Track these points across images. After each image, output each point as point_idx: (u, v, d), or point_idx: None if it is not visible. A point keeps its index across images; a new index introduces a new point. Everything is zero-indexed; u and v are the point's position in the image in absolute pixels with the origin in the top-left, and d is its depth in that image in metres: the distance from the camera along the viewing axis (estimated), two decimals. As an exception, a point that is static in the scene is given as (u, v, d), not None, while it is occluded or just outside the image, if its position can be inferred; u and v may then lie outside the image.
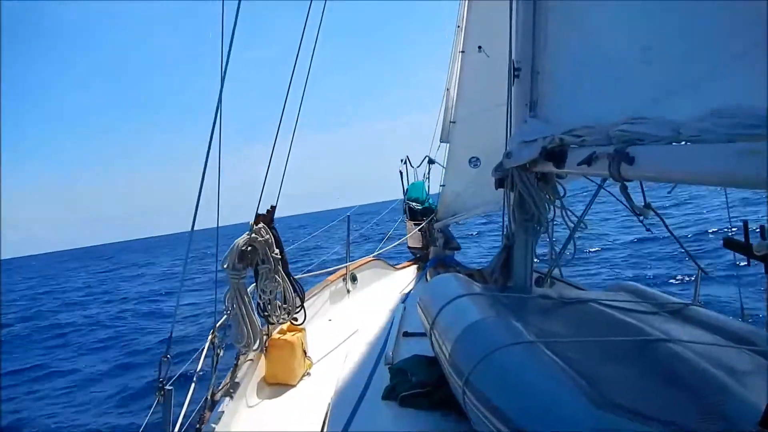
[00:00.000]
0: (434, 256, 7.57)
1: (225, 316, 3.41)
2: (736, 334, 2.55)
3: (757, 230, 2.51)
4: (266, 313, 3.63)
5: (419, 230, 8.06)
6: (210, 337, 3.20)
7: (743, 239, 3.31)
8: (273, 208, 3.62)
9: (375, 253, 7.42)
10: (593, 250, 13.21)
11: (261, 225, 3.48)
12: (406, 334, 4.26)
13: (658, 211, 2.78)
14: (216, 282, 3.29)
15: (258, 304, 3.60)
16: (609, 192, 3.09)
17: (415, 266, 7.89)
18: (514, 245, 3.50)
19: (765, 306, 3.32)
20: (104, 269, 54.80)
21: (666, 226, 2.87)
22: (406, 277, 7.35)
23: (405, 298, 5.90)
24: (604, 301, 2.99)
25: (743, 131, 1.64)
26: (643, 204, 2.70)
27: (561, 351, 2.15)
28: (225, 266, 3.33)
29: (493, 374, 2.12)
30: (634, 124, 2.24)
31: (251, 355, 3.69)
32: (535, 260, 3.57)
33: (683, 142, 1.98)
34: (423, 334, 3.51)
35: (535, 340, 2.23)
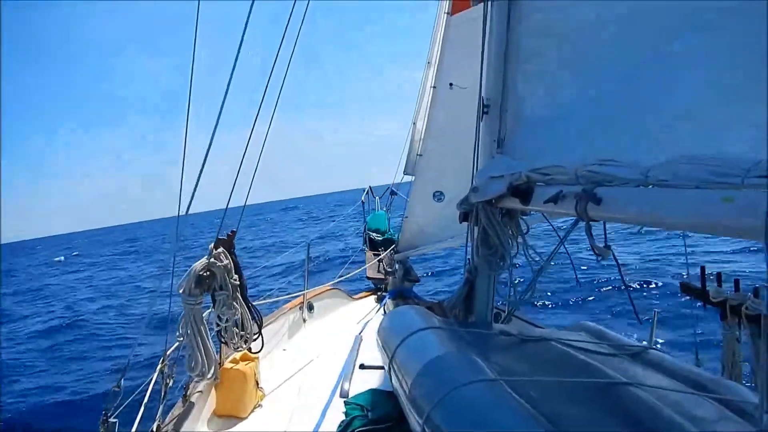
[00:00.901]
0: (393, 287, 7.52)
1: (177, 343, 3.27)
2: (694, 380, 2.57)
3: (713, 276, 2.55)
4: (223, 340, 3.50)
5: (379, 261, 8.03)
6: (159, 366, 3.06)
7: (700, 284, 3.38)
8: (233, 232, 3.52)
9: (333, 282, 7.33)
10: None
11: (221, 250, 3.37)
12: (362, 367, 4.17)
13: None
14: (170, 303, 3.16)
15: (216, 330, 3.48)
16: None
17: (373, 296, 7.83)
18: (477, 280, 3.49)
19: (721, 352, 3.37)
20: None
21: (620, 271, 2.90)
22: (363, 307, 7.27)
23: (362, 329, 5.82)
24: (564, 341, 2.98)
25: (713, 178, 1.66)
26: (603, 245, 2.72)
27: (523, 390, 2.12)
28: (181, 291, 3.21)
29: (454, 412, 2.07)
30: (603, 166, 2.26)
31: (201, 385, 3.55)
32: (496, 297, 3.57)
33: (651, 186, 2.01)
34: (380, 367, 3.44)
35: (498, 378, 2.20)
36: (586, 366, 2.61)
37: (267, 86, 3.60)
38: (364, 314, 6.90)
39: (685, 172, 1.80)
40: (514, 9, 3.32)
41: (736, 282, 3.36)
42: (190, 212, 3.21)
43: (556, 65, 3.07)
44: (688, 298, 3.82)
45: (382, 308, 6.77)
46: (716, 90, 2.00)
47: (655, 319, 4.47)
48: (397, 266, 7.69)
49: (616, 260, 2.88)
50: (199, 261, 3.32)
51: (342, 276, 7.79)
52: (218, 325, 3.44)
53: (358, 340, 5.01)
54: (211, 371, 3.38)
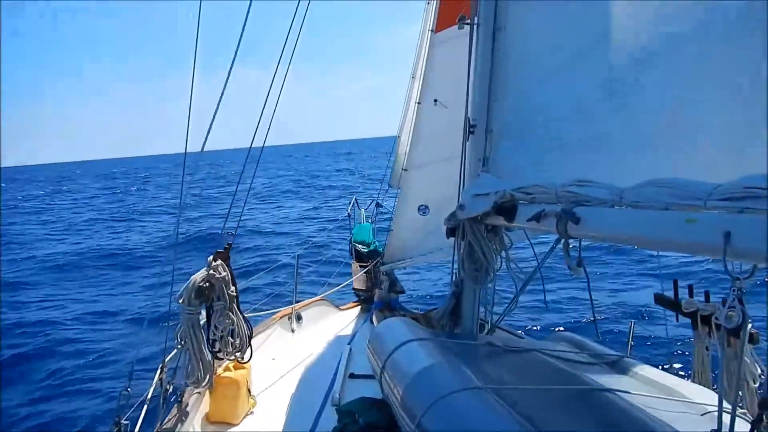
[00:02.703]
0: (379, 298, 7.65)
1: (175, 351, 3.38)
2: (667, 386, 2.76)
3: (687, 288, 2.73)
4: (216, 350, 3.62)
5: (365, 272, 8.15)
6: (158, 374, 3.17)
7: (674, 296, 3.58)
8: (229, 245, 3.65)
9: (321, 295, 7.46)
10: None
11: (219, 262, 3.50)
12: (352, 376, 4.30)
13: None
14: (169, 314, 3.29)
15: (209, 339, 3.59)
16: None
17: (359, 307, 7.95)
18: (463, 293, 3.65)
19: (693, 359, 3.57)
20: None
21: (588, 290, 3.07)
22: (351, 317, 7.39)
23: (351, 339, 5.94)
24: (546, 351, 3.15)
25: (679, 201, 1.84)
26: (576, 263, 2.88)
27: (508, 397, 2.28)
28: (180, 301, 3.33)
29: (444, 418, 2.22)
30: (581, 186, 2.44)
31: (197, 391, 3.65)
32: (481, 309, 3.72)
33: (625, 207, 2.19)
34: (370, 377, 3.57)
35: (485, 387, 2.35)
36: (567, 374, 2.78)
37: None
38: (351, 324, 7.02)
39: (654, 194, 1.98)
40: (498, 34, 3.51)
41: (707, 294, 3.56)
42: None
43: (540, 89, 3.26)
44: (662, 309, 4.02)
45: (369, 319, 6.90)
46: (678, 119, 2.19)
47: (632, 329, 4.67)
48: (383, 277, 7.82)
49: (587, 276, 3.06)
50: (199, 272, 3.44)
51: (330, 288, 7.91)
52: (213, 334, 3.56)
53: (347, 350, 5.13)
54: (207, 379, 3.49)
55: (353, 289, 8.58)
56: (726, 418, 1.53)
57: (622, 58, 2.60)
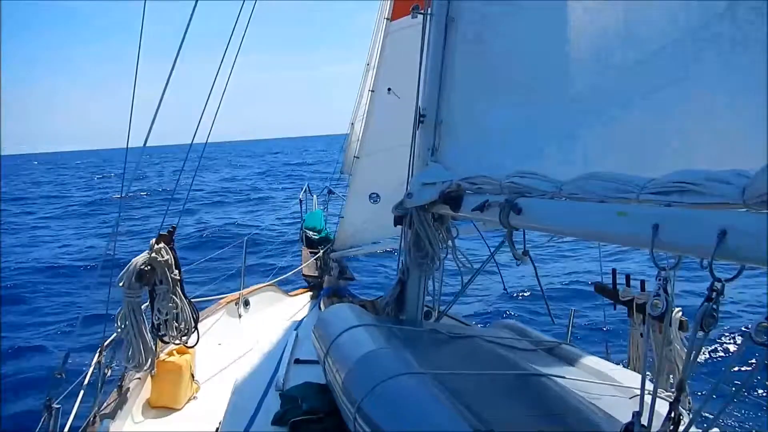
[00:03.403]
0: (328, 285, 7.65)
1: (114, 335, 3.31)
2: (601, 371, 2.87)
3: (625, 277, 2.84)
4: (161, 333, 3.56)
5: (315, 259, 8.14)
6: (96, 357, 3.10)
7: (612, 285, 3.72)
8: (173, 228, 3.58)
9: (270, 281, 7.40)
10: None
11: (162, 245, 3.43)
12: (297, 361, 4.30)
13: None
14: (108, 298, 3.21)
15: (152, 323, 3.53)
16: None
17: (308, 293, 7.94)
18: (408, 280, 3.69)
19: (627, 346, 3.73)
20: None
21: (536, 276, 3.16)
22: (299, 303, 7.38)
23: (298, 325, 5.93)
24: (487, 338, 3.23)
25: (614, 194, 1.91)
26: (522, 251, 2.97)
27: (448, 382, 2.34)
28: (121, 284, 3.25)
29: (383, 402, 2.25)
30: (523, 178, 2.50)
31: (137, 376, 3.59)
32: (428, 297, 3.78)
33: (564, 199, 2.25)
34: (315, 362, 3.58)
35: (425, 372, 2.40)
36: (506, 360, 2.86)
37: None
38: (300, 310, 7.01)
39: (591, 187, 2.05)
40: (451, 25, 3.53)
41: (642, 283, 3.72)
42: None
43: (489, 82, 3.31)
44: (601, 297, 4.18)
45: (317, 306, 6.90)
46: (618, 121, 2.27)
47: (572, 317, 4.83)
48: (332, 264, 7.83)
49: (534, 265, 3.15)
50: (140, 255, 3.36)
51: (279, 275, 7.86)
52: (157, 318, 3.49)
53: (294, 336, 5.12)
54: (149, 363, 3.43)
55: (303, 275, 8.56)
56: (649, 401, 1.60)
57: (571, 55, 2.67)
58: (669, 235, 1.58)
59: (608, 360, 4.16)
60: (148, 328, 3.41)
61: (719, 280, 1.41)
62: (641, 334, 3.65)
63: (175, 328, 3.54)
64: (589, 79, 2.48)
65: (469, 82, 3.47)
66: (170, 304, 3.46)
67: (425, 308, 3.94)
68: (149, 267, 3.34)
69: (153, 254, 3.36)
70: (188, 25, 3.40)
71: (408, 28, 5.30)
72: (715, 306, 1.42)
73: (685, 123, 2.04)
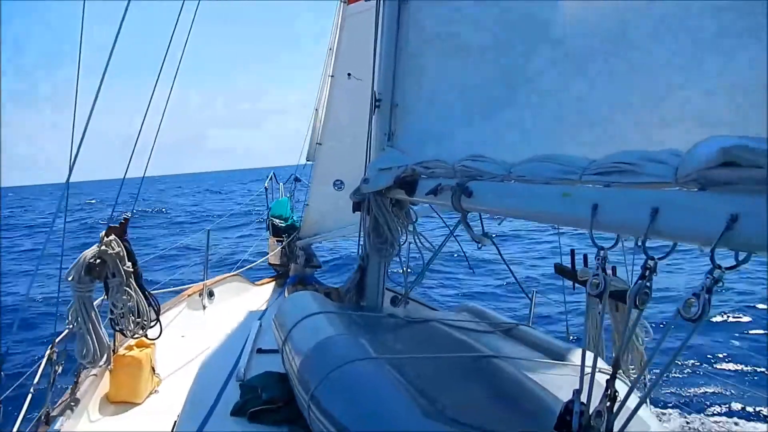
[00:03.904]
0: (294, 273, 7.62)
1: (66, 330, 3.23)
2: (555, 351, 2.91)
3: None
4: (119, 327, 3.49)
5: (282, 247, 8.08)
6: (48, 352, 3.02)
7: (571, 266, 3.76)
8: (126, 219, 3.50)
9: (235, 271, 7.33)
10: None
11: (113, 237, 3.35)
12: (260, 351, 4.27)
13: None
14: (59, 290, 3.13)
15: (110, 318, 3.45)
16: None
17: (274, 283, 7.89)
18: (368, 266, 3.69)
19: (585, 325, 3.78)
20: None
21: (500, 254, 3.19)
22: (265, 293, 7.33)
23: (262, 315, 5.89)
24: (446, 321, 3.25)
25: (558, 176, 1.92)
26: (482, 233, 2.99)
27: (402, 366, 2.34)
28: (69, 279, 3.17)
29: (336, 389, 2.24)
30: (474, 161, 2.50)
31: (94, 371, 3.52)
32: (390, 282, 3.78)
33: (513, 181, 2.26)
34: (277, 351, 3.56)
35: (379, 357, 2.40)
36: (462, 343, 2.88)
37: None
38: (266, 300, 6.96)
39: (537, 169, 2.06)
40: (404, 9, 3.51)
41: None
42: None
43: (442, 66, 3.29)
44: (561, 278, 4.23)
45: (282, 294, 6.86)
46: (562, 100, 2.28)
47: (534, 298, 4.89)
48: (299, 252, 7.78)
49: (496, 246, 3.17)
50: (90, 248, 3.28)
51: (245, 264, 7.80)
52: (112, 312, 3.42)
53: (257, 325, 5.08)
54: (104, 358, 3.36)
55: (269, 264, 8.50)
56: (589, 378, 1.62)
57: (522, 42, 2.66)
58: (607, 215, 1.59)
59: (568, 340, 4.22)
60: (101, 323, 3.33)
61: (652, 258, 1.43)
62: (599, 314, 3.70)
63: (133, 321, 3.47)
64: (540, 59, 2.47)
65: (422, 66, 3.45)
66: (124, 297, 3.39)
67: (393, 294, 3.95)
68: (100, 260, 3.26)
69: (103, 247, 3.28)
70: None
71: (365, 12, 5.26)
72: (648, 284, 1.43)
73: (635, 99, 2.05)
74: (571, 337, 4.55)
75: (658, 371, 1.40)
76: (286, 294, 6.50)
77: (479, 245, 3.04)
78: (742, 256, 1.26)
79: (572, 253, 4.10)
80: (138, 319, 3.63)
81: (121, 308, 3.47)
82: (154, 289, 4.06)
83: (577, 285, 3.96)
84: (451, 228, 3.46)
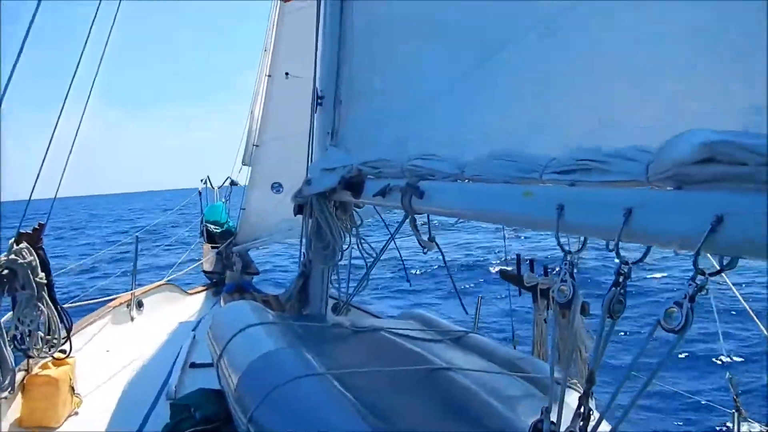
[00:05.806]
0: (231, 281, 7.32)
1: None
2: (508, 360, 2.79)
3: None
4: (24, 347, 3.12)
5: (217, 254, 7.78)
6: None
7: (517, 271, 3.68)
8: (41, 225, 3.17)
9: (167, 278, 6.96)
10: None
11: (24, 245, 3.00)
12: (193, 366, 4.00)
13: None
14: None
15: (14, 335, 3.08)
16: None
17: (209, 291, 7.57)
18: (311, 273, 3.49)
19: (532, 332, 3.71)
20: None
21: (444, 261, 3.07)
22: (199, 303, 6.99)
23: (195, 326, 5.57)
24: (393, 330, 3.09)
25: (518, 174, 1.79)
26: (428, 238, 2.85)
27: (349, 381, 2.16)
28: None
29: (277, 410, 2.05)
30: (425, 160, 2.35)
31: (3, 394, 3.16)
32: (332, 289, 3.60)
33: (467, 181, 2.13)
34: (212, 365, 3.32)
35: (324, 372, 2.21)
36: (411, 354, 2.72)
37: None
38: (200, 310, 6.63)
39: (494, 168, 1.93)
40: (347, 5, 3.35)
41: (545, 268, 3.71)
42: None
43: (387, 62, 3.14)
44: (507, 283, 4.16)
45: (218, 303, 6.57)
46: (522, 98, 2.16)
47: (479, 304, 4.80)
48: (235, 258, 7.51)
49: (441, 252, 3.04)
50: (-6, 258, 2.93)
51: (175, 272, 7.42)
52: (17, 328, 3.05)
53: (191, 337, 4.78)
54: (7, 381, 2.98)
55: (203, 271, 8.17)
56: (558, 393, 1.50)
57: (476, 32, 2.53)
58: (574, 216, 1.47)
59: (515, 347, 4.15)
60: (6, 343, 2.96)
61: (626, 263, 1.31)
62: (545, 320, 3.65)
63: (41, 339, 3.12)
64: (487, 48, 2.34)
65: (366, 62, 3.30)
66: (35, 312, 3.05)
67: (333, 301, 3.76)
68: (7, 270, 2.91)
69: (12, 256, 2.93)
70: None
71: (304, 9, 5.07)
72: (622, 291, 1.31)
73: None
74: (517, 346, 4.49)
75: (638, 387, 1.29)
76: (222, 303, 6.19)
77: (425, 250, 2.91)
78: (726, 260, 1.16)
79: (518, 258, 4.05)
80: (48, 337, 3.28)
81: (28, 325, 3.11)
82: (75, 300, 3.73)
83: (523, 291, 3.92)
84: (392, 232, 3.33)
